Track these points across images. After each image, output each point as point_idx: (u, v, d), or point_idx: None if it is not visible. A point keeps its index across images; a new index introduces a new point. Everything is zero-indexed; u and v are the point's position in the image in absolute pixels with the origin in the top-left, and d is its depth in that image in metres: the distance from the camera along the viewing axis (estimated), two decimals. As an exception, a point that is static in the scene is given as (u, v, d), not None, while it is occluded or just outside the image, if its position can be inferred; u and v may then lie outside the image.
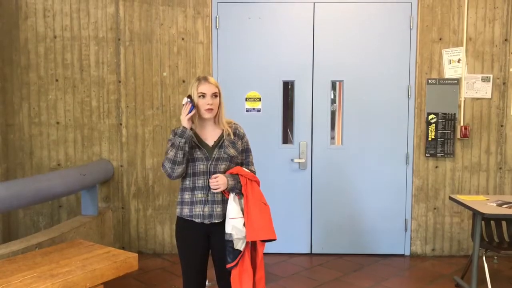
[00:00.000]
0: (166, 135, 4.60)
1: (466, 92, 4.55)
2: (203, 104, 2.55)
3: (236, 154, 2.64)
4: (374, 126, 4.61)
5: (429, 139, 4.59)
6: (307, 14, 4.55)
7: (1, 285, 2.60)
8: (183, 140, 2.48)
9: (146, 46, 4.56)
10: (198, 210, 2.56)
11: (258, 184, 2.69)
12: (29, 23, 4.56)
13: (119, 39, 4.56)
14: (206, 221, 2.56)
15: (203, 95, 2.56)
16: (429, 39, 4.52)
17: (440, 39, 4.52)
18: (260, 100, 4.61)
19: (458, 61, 4.52)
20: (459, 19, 4.51)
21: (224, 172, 2.59)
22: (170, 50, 4.56)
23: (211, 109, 2.57)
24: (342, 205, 4.67)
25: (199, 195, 2.57)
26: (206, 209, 2.56)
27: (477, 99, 4.57)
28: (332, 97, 4.67)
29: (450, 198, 4.00)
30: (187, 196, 2.59)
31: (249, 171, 2.69)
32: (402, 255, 4.70)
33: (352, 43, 4.56)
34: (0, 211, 3.90)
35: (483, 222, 3.77)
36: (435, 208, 4.66)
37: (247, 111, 4.62)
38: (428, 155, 4.60)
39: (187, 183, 2.59)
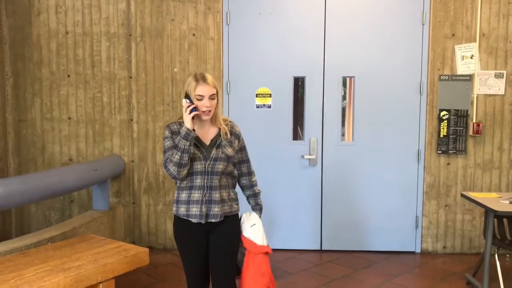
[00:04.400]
0: (177, 130, 4.60)
1: (479, 89, 4.50)
2: (201, 106, 2.48)
3: (233, 154, 2.59)
4: (385, 122, 4.58)
5: (441, 136, 4.55)
6: (318, 9, 4.52)
7: (14, 278, 2.62)
8: (187, 143, 2.43)
9: (157, 42, 4.56)
10: (195, 209, 2.52)
11: (267, 253, 2.59)
12: (42, 19, 4.59)
13: (130, 35, 4.57)
14: (203, 221, 2.52)
15: (201, 97, 2.48)
16: (441, 34, 4.47)
17: (453, 34, 4.47)
18: (270, 96, 4.60)
19: (471, 57, 4.47)
20: (472, 14, 4.45)
21: (221, 172, 2.54)
22: (181, 46, 4.56)
23: (209, 111, 2.51)
24: (352, 201, 4.65)
25: (196, 195, 2.52)
26: (203, 209, 2.51)
27: (490, 95, 4.51)
28: (343, 93, 4.64)
29: (462, 195, 3.97)
30: (184, 195, 2.55)
31: (257, 190, 2.73)
32: (413, 252, 4.67)
33: (363, 39, 4.53)
34: (13, 205, 3.94)
35: (495, 220, 3.73)
36: (446, 205, 4.63)
37: (257, 107, 4.61)
38: (440, 152, 4.56)
39: (184, 182, 2.54)
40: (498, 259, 3.68)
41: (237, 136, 2.64)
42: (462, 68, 4.49)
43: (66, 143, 4.69)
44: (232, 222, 2.62)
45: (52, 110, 4.67)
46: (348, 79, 4.65)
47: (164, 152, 2.52)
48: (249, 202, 2.77)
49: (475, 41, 4.46)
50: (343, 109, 4.67)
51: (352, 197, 4.65)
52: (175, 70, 4.58)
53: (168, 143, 2.52)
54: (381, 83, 4.55)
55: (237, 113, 4.56)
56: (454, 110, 4.52)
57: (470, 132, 4.52)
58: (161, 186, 4.69)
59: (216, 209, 2.52)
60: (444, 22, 4.46)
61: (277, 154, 4.61)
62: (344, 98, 4.68)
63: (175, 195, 2.60)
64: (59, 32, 4.60)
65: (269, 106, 4.62)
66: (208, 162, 2.51)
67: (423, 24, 4.49)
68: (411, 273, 4.20)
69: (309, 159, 4.63)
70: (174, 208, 2.60)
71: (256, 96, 4.61)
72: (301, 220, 4.69)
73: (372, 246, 4.68)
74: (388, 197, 4.63)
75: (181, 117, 2.53)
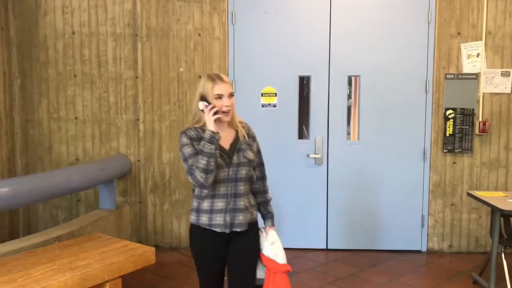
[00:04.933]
0: (183, 130, 4.62)
1: (485, 87, 4.48)
2: (220, 106, 2.34)
3: (254, 157, 2.47)
4: (391, 121, 4.58)
5: (447, 134, 4.53)
6: (323, 8, 4.51)
7: (23, 277, 2.65)
8: (213, 147, 2.27)
9: (163, 41, 4.58)
10: (219, 219, 2.38)
11: (287, 270, 2.49)
12: (48, 19, 4.62)
13: (136, 35, 4.59)
14: (227, 231, 2.39)
15: (219, 97, 2.34)
16: (447, 33, 4.46)
17: (459, 33, 4.46)
18: (276, 96, 4.61)
19: (477, 56, 4.45)
20: (478, 13, 4.43)
21: (245, 178, 2.42)
22: (187, 46, 4.58)
23: (229, 111, 2.38)
24: (358, 200, 4.65)
25: (220, 203, 2.38)
26: (228, 218, 2.38)
27: (496, 94, 4.49)
28: (348, 92, 4.64)
29: (468, 194, 3.96)
30: (206, 204, 2.40)
31: (270, 201, 2.61)
32: (419, 251, 4.66)
33: (369, 38, 4.52)
34: (21, 205, 3.98)
35: (501, 219, 3.71)
36: (452, 204, 4.61)
37: (262, 106, 4.62)
38: (446, 150, 4.55)
39: (206, 191, 2.38)
40: (505, 258, 3.67)
41: (254, 138, 2.53)
42: (468, 67, 4.47)
43: (73, 143, 4.72)
44: (254, 230, 2.51)
45: (59, 110, 4.70)
46: (353, 78, 4.65)
47: (185, 160, 2.35)
48: (259, 210, 2.62)
49: (481, 39, 4.44)
50: (349, 108, 4.67)
51: (357, 196, 4.64)
52: (181, 70, 4.60)
53: (188, 150, 2.35)
54: (387, 82, 4.55)
55: (243, 113, 4.49)
56: (460, 108, 4.51)
57: (476, 131, 4.50)
58: (167, 185, 4.71)
59: (240, 218, 2.40)
60: (449, 20, 4.45)
61: (283, 153, 4.61)
62: (349, 97, 4.67)
63: (194, 204, 2.46)
64: (66, 32, 4.63)
65: (275, 105, 4.62)
66: (231, 169, 2.38)
67: (428, 23, 4.48)
68: (417, 272, 4.19)
69: (315, 158, 4.63)
70: (193, 217, 2.46)
71: (262, 95, 4.61)
72: (306, 219, 4.69)
73: (378, 245, 4.67)
74: (393, 196, 4.62)
75: (197, 122, 2.41)
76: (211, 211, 2.39)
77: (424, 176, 4.61)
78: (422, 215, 4.65)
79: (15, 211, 4.70)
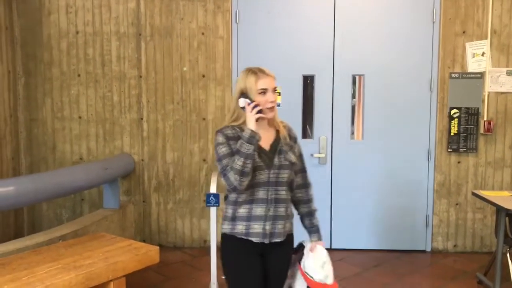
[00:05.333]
0: (187, 129, 4.63)
1: (490, 86, 4.46)
2: (264, 102, 2.15)
3: (296, 160, 2.28)
4: (395, 120, 4.56)
5: (452, 134, 4.52)
6: (327, 8, 4.50)
7: (27, 276, 2.65)
8: (252, 147, 2.08)
9: (167, 41, 4.58)
10: (257, 227, 2.17)
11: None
12: (52, 19, 4.63)
13: (140, 34, 4.59)
14: (266, 241, 2.19)
15: (263, 92, 2.17)
16: (452, 32, 4.44)
17: (464, 32, 4.44)
18: (279, 95, 4.60)
19: (482, 55, 4.44)
20: (483, 11, 4.41)
21: (286, 183, 2.24)
22: (190, 45, 4.58)
23: (273, 107, 2.19)
24: (362, 200, 4.64)
25: (258, 210, 2.17)
26: (267, 226, 2.18)
27: (502, 93, 4.47)
28: (352, 91, 4.63)
29: (473, 194, 3.94)
30: (242, 211, 2.18)
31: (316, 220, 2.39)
32: (423, 251, 4.65)
33: (373, 37, 4.51)
34: (25, 204, 3.99)
35: (507, 218, 3.69)
36: (457, 204, 4.60)
37: (266, 105, 4.60)
38: (451, 150, 4.53)
39: (244, 196, 2.17)
40: (510, 258, 3.65)
41: (295, 140, 2.33)
42: (473, 66, 4.46)
43: (76, 142, 4.73)
44: (291, 243, 2.34)
45: (63, 109, 4.71)
46: (357, 77, 4.63)
47: (219, 160, 2.16)
48: (302, 222, 2.40)
49: (486, 38, 4.42)
50: (353, 108, 4.66)
51: (361, 196, 4.63)
52: (185, 69, 4.60)
53: (224, 149, 2.16)
54: (391, 81, 4.53)
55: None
56: (465, 108, 4.49)
57: (481, 130, 4.49)
58: (171, 184, 4.71)
59: (279, 226, 2.20)
60: (454, 19, 4.43)
61: (287, 153, 4.60)
62: (353, 96, 4.66)
63: (229, 211, 2.23)
64: (70, 32, 4.63)
65: (278, 105, 4.60)
66: (272, 171, 2.19)
67: (433, 22, 4.46)
68: (422, 272, 4.18)
69: (319, 157, 4.62)
70: (226, 227, 2.23)
71: (266, 95, 4.60)
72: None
73: (382, 245, 4.66)
74: (398, 195, 4.60)
75: (235, 120, 2.23)
76: (248, 218, 2.18)
77: (428, 176, 4.59)
78: (426, 215, 4.63)
79: (20, 210, 4.71)
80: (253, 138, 2.09)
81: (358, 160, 4.61)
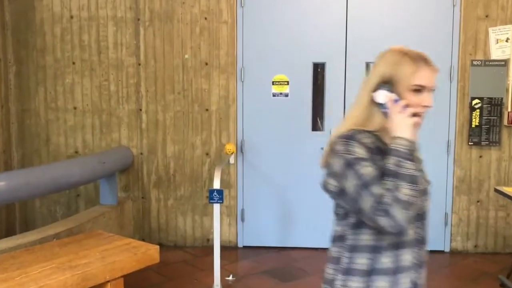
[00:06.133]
0: (188, 121, 4.62)
1: (514, 75, 4.43)
2: (417, 104, 1.60)
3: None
4: (412, 111, 4.53)
5: (473, 126, 4.49)
6: (339, -10, 4.48)
7: (20, 276, 2.67)
8: (413, 166, 1.50)
9: (167, 26, 4.57)
10: (405, 281, 1.57)
11: None
12: (45, 3, 4.62)
13: (138, 19, 4.58)
14: None
15: (419, 89, 1.61)
16: (474, 16, 4.40)
17: (487, 16, 4.40)
18: (288, 84, 4.58)
19: (506, 41, 4.39)
20: (508, -7, 4.37)
21: (427, 215, 1.68)
22: (192, 31, 4.56)
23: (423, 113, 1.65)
24: (376, 197, 4.62)
25: (407, 257, 1.58)
26: (415, 280, 1.61)
27: (527, 82, 4.44)
28: (366, 80, 4.60)
29: (496, 190, 3.92)
30: (386, 260, 1.55)
31: None
32: (442, 252, 4.64)
33: (389, 21, 4.47)
34: (17, 199, 4.01)
35: (532, 217, 3.68)
36: (478, 201, 4.58)
37: (273, 95, 4.60)
38: (472, 143, 4.50)
39: (388, 237, 1.53)
40: (535, 259, 3.64)
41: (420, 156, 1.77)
42: (496, 53, 4.42)
43: (71, 134, 4.74)
44: None
45: (56, 99, 4.72)
46: (372, 65, 4.60)
47: (365, 186, 1.47)
48: None
49: (511, 23, 4.38)
50: (366, 98, 4.63)
51: (375, 192, 4.61)
52: (186, 57, 4.59)
53: (370, 169, 1.49)
54: (408, 69, 4.50)
55: (252, 102, 4.56)
56: (488, 98, 4.45)
57: (505, 122, 4.45)
58: (172, 180, 4.72)
59: (422, 275, 1.65)
60: (477, 2, 4.39)
61: (295, 146, 4.59)
62: (367, 85, 4.63)
63: (359, 261, 1.57)
64: (64, 16, 4.63)
65: (287, 95, 4.60)
66: (421, 198, 1.57)
67: (454, 5, 4.42)
68: (440, 274, 4.17)
69: (330, 151, 4.60)
70: (356, 285, 1.57)
71: (273, 84, 4.59)
72: (320, 216, 4.65)
73: (397, 244, 4.65)
74: (414, 192, 4.58)
75: (363, 123, 1.62)
76: (396, 271, 1.56)
77: (447, 171, 4.57)
78: (445, 213, 4.61)
79: (12, 206, 4.74)
80: (413, 152, 1.55)
81: (372, 154, 4.58)
